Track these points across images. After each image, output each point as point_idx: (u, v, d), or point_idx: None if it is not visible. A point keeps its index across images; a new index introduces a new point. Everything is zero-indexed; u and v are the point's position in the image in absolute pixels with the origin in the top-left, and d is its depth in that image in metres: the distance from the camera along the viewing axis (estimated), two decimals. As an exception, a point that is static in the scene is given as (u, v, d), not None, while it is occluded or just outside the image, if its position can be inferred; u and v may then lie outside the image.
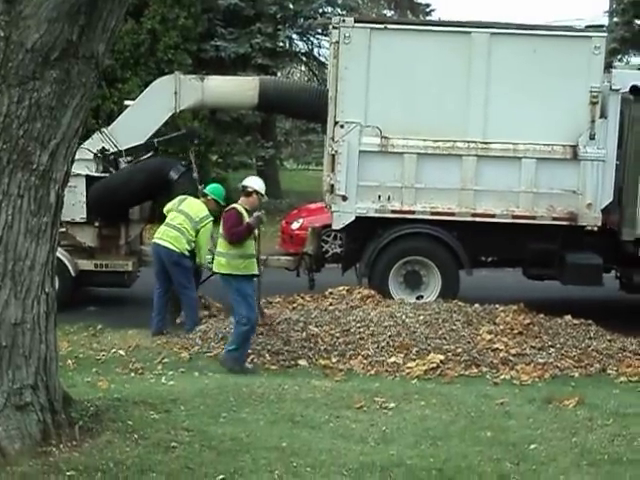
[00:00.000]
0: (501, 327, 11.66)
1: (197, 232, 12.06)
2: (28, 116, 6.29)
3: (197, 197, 12.63)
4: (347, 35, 12.83)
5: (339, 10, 26.77)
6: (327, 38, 27.58)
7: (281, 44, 26.30)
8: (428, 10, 27.98)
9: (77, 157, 13.23)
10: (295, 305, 12.63)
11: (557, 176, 12.99)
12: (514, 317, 11.96)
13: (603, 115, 12.92)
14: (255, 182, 11.09)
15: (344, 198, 12.97)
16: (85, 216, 13.76)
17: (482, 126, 12.93)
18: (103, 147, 13.84)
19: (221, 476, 6.57)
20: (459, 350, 10.97)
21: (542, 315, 12.17)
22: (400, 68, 12.92)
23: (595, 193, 12.99)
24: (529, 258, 13.50)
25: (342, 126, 12.93)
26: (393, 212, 13.13)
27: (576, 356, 11.15)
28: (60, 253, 13.48)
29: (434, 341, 11.08)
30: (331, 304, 12.29)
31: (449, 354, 10.87)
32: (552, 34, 13.31)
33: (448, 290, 13.09)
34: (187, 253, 12.05)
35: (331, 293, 12.74)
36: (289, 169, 33.06)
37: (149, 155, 14.35)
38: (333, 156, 13.02)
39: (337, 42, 12.92)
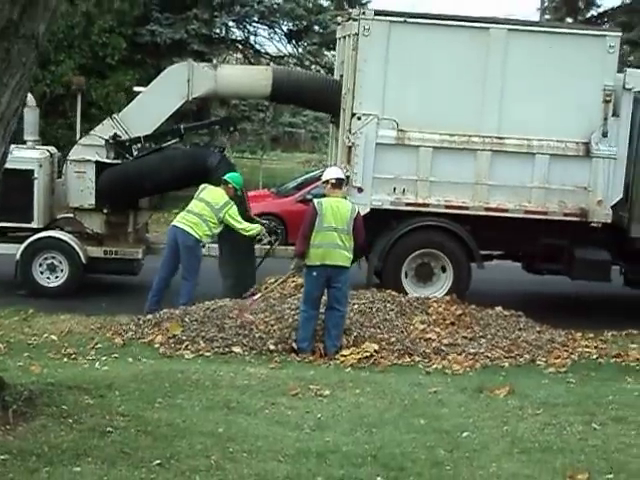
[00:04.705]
0: (434, 317, 11.80)
1: (220, 220, 12.34)
2: (-33, 95, 6.20)
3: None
4: (367, 27, 12.82)
5: (276, -1, 26.68)
6: (263, 27, 27.66)
7: (217, 31, 26.15)
8: (364, 1, 27.95)
9: (87, 143, 13.59)
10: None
11: (569, 172, 13.16)
12: (446, 307, 12.12)
13: (615, 113, 13.08)
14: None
15: (360, 190, 12.98)
16: (93, 202, 13.76)
17: (497, 121, 13.05)
18: (115, 133, 13.76)
19: (157, 461, 6.57)
20: (393, 339, 11.06)
21: (473, 306, 12.35)
22: (418, 62, 12.97)
23: (606, 190, 13.17)
24: (539, 253, 13.70)
25: (359, 118, 12.95)
26: (408, 205, 13.19)
27: (506, 347, 11.31)
28: (70, 239, 13.47)
29: (368, 330, 11.16)
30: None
31: (383, 343, 10.96)
32: (568, 32, 13.60)
33: (460, 283, 13.28)
34: (207, 239, 12.43)
35: (266, 282, 12.74)
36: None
37: (175, 141, 14.40)
38: (350, 148, 13.03)
39: (356, 34, 12.91)
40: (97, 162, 13.75)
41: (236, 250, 13.21)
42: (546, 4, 31.01)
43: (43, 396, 7.37)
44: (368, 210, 12.95)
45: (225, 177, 12.73)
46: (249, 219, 13.06)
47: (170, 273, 12.55)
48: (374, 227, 13.02)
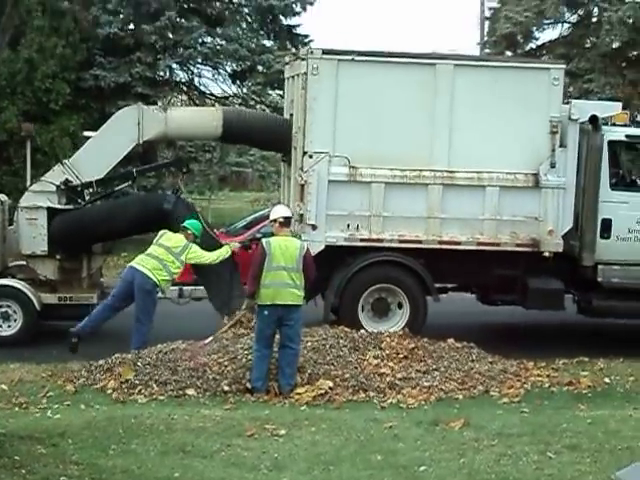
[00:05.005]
0: (387, 352, 11.82)
1: (183, 263, 12.44)
2: None
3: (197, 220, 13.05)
4: (315, 66, 12.89)
5: (218, 40, 26.79)
6: (207, 68, 27.74)
7: (161, 73, 26.13)
8: (307, 41, 28.15)
9: (38, 189, 13.45)
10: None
11: (519, 203, 13.27)
12: (399, 342, 12.14)
13: (563, 144, 13.26)
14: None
15: (314, 227, 13.00)
16: (46, 249, 13.65)
17: (447, 155, 13.14)
18: (67, 179, 13.69)
19: (113, 509, 6.52)
20: (347, 375, 11.06)
21: (426, 339, 12.40)
22: (367, 98, 13.04)
23: (556, 220, 13.30)
24: (493, 284, 13.78)
25: (311, 156, 12.99)
26: (362, 240, 13.22)
27: (460, 378, 11.36)
28: (23, 287, 13.36)
29: (322, 367, 11.14)
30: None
31: (337, 380, 10.96)
32: (513, 66, 13.86)
33: (417, 317, 13.31)
34: (165, 285, 12.42)
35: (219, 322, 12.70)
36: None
37: (127, 184, 14.53)
38: (302, 186, 13.04)
39: (305, 73, 12.98)
40: (49, 208, 13.68)
41: (220, 280, 13.24)
42: (485, 38, 31.45)
43: (-5, 447, 7.27)
44: (323, 247, 13.01)
45: (184, 224, 12.75)
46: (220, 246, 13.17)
47: (119, 309, 12.54)
48: (329, 264, 13.09)
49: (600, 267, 13.59)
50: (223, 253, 12.84)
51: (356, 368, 11.29)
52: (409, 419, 9.57)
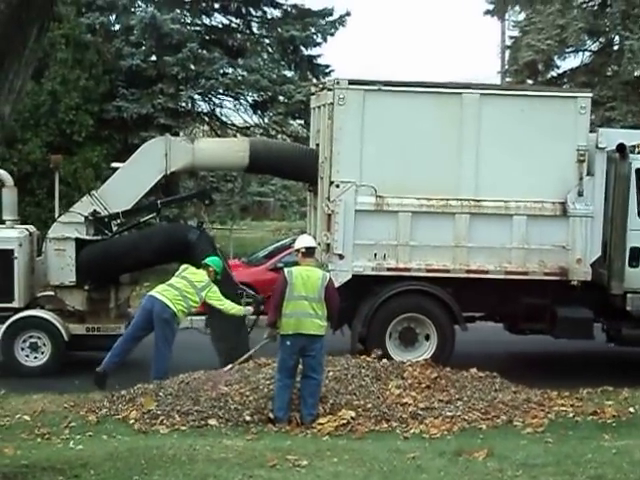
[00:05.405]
0: (409, 381, 11.77)
1: (201, 299, 12.43)
2: None
3: (217, 255, 13.15)
4: (342, 97, 13.02)
5: (239, 70, 26.95)
6: (228, 98, 27.89)
7: (183, 104, 26.30)
8: (328, 71, 28.27)
9: (66, 220, 13.57)
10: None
11: (547, 232, 13.31)
12: (421, 371, 12.09)
13: (590, 172, 13.30)
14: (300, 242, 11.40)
15: (341, 257, 13.08)
16: (74, 279, 13.74)
17: (474, 184, 13.20)
18: (94, 210, 13.84)
19: (135, 541, 6.49)
20: (369, 405, 11.02)
21: (448, 368, 12.33)
22: (393, 128, 13.16)
23: (584, 248, 13.32)
24: (521, 313, 13.74)
25: (338, 186, 13.08)
26: (389, 270, 13.26)
27: (483, 408, 11.28)
28: (52, 317, 13.45)
29: (344, 397, 11.10)
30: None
31: (359, 410, 10.91)
32: (539, 95, 13.83)
33: (444, 346, 13.34)
34: (182, 316, 12.46)
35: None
36: (193, 228, 32.85)
37: (151, 216, 14.66)
38: (329, 215, 13.12)
39: (332, 104, 13.09)
40: (77, 239, 13.77)
41: (228, 325, 13.19)
42: (506, 67, 31.47)
43: (17, 478, 7.27)
44: (350, 276, 13.03)
45: (206, 261, 12.78)
46: (234, 297, 13.08)
47: (140, 338, 12.60)
48: (356, 293, 13.10)
49: (629, 295, 13.53)
50: (238, 310, 12.72)
51: (378, 398, 11.24)
52: (432, 449, 9.50)
